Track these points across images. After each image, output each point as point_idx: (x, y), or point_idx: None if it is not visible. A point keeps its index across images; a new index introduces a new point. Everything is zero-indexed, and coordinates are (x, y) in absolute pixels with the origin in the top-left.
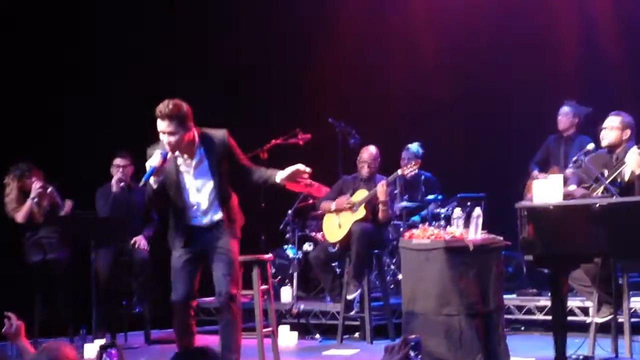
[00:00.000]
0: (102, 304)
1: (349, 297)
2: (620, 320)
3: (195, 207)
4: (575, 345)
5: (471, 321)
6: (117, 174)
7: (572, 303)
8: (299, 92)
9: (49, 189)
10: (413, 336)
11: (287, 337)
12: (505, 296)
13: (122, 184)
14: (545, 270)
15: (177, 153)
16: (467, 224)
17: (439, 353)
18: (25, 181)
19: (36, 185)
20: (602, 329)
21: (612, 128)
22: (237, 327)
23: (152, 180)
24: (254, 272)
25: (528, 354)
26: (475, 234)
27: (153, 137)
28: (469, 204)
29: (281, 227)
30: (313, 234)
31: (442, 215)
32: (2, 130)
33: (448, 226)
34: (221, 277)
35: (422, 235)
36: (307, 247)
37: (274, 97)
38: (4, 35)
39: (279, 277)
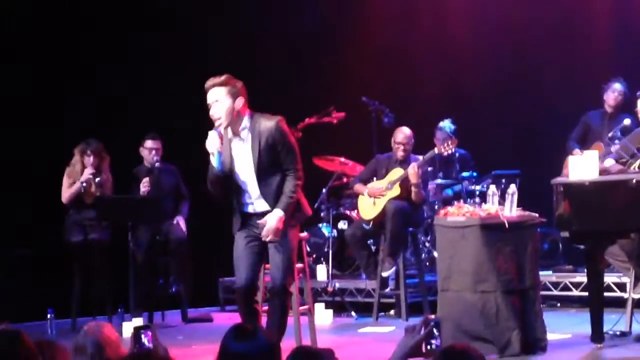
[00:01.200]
0: (140, 284)
1: (384, 274)
2: None
3: (247, 192)
4: (612, 321)
5: (507, 298)
6: (150, 157)
7: (609, 279)
8: (333, 70)
9: (98, 179)
10: (433, 316)
11: (322, 315)
12: (541, 273)
13: (157, 164)
14: (582, 247)
15: (230, 135)
16: (502, 201)
17: (475, 330)
18: (85, 157)
19: (88, 171)
20: (639, 304)
21: None
22: (286, 313)
23: (214, 159)
24: None
25: (565, 330)
26: (510, 210)
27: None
28: (503, 181)
29: (316, 205)
30: (348, 212)
31: (477, 193)
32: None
33: (483, 203)
34: (275, 269)
35: (458, 212)
36: (342, 225)
37: (308, 75)
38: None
39: (314, 256)
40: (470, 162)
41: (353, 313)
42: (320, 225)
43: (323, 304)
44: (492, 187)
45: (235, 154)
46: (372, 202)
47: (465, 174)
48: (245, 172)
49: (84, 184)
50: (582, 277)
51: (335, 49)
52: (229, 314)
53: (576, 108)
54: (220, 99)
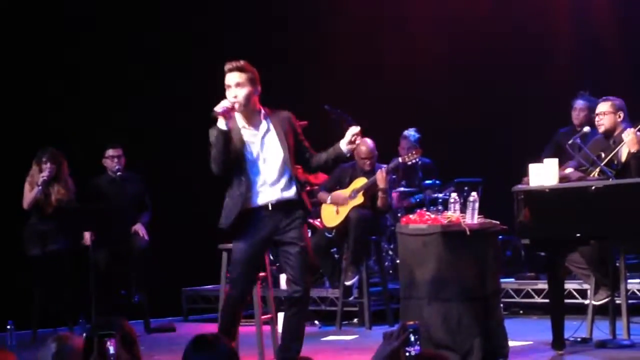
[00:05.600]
0: (102, 294)
1: (347, 283)
2: (617, 302)
3: (261, 181)
4: (574, 327)
5: (469, 305)
6: (113, 166)
7: (570, 286)
8: (296, 78)
9: (42, 179)
10: (412, 322)
11: None
12: (503, 280)
13: (119, 173)
14: (542, 254)
15: (242, 123)
16: (464, 208)
17: (437, 338)
18: (41, 166)
19: (42, 174)
20: (600, 311)
21: (606, 113)
22: (304, 317)
23: (222, 122)
24: None
25: (526, 337)
26: (471, 218)
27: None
28: (466, 188)
29: None
30: (311, 220)
31: (440, 200)
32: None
33: (445, 211)
34: (298, 270)
35: (419, 220)
36: None
37: (270, 83)
38: None
39: (278, 264)
40: (433, 170)
41: (316, 322)
42: None
43: None
44: (454, 195)
45: (247, 141)
46: (335, 210)
47: (428, 182)
48: (265, 157)
49: (40, 188)
50: (544, 285)
51: (297, 57)
52: (193, 324)
53: (539, 117)
54: (240, 82)
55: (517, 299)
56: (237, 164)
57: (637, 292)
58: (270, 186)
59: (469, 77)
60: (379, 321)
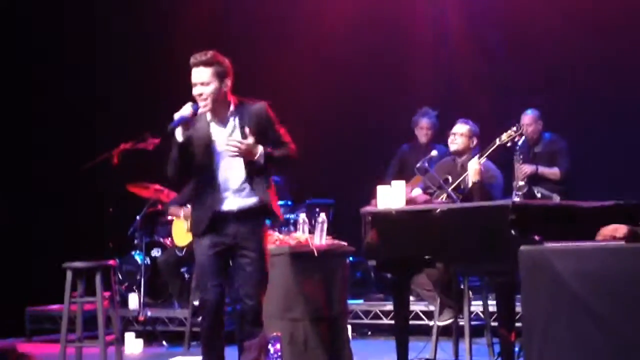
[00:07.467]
0: None
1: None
2: (461, 323)
3: (223, 185)
4: (419, 348)
5: (316, 326)
6: None
7: (417, 307)
8: (153, 94)
9: None
10: (274, 334)
11: (132, 344)
12: (352, 301)
13: None
14: (389, 275)
15: (209, 118)
16: (314, 229)
17: (284, 358)
18: None
19: None
20: (444, 332)
21: (461, 135)
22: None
23: (178, 132)
24: (97, 278)
25: (373, 357)
26: (320, 239)
27: None
28: (317, 210)
29: (129, 232)
30: (161, 239)
31: (291, 221)
32: None
33: (294, 232)
34: (250, 285)
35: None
36: (155, 252)
37: (129, 100)
38: None
39: (127, 284)
40: (285, 191)
41: (164, 342)
42: (133, 252)
43: (133, 334)
44: (302, 216)
45: (216, 140)
46: (186, 228)
47: (279, 202)
48: (230, 161)
49: None
50: (392, 306)
51: (154, 70)
52: (36, 344)
53: (394, 137)
54: (205, 81)
55: (366, 320)
56: (204, 160)
57: (480, 314)
58: (232, 190)
59: (325, 98)
60: (228, 341)
